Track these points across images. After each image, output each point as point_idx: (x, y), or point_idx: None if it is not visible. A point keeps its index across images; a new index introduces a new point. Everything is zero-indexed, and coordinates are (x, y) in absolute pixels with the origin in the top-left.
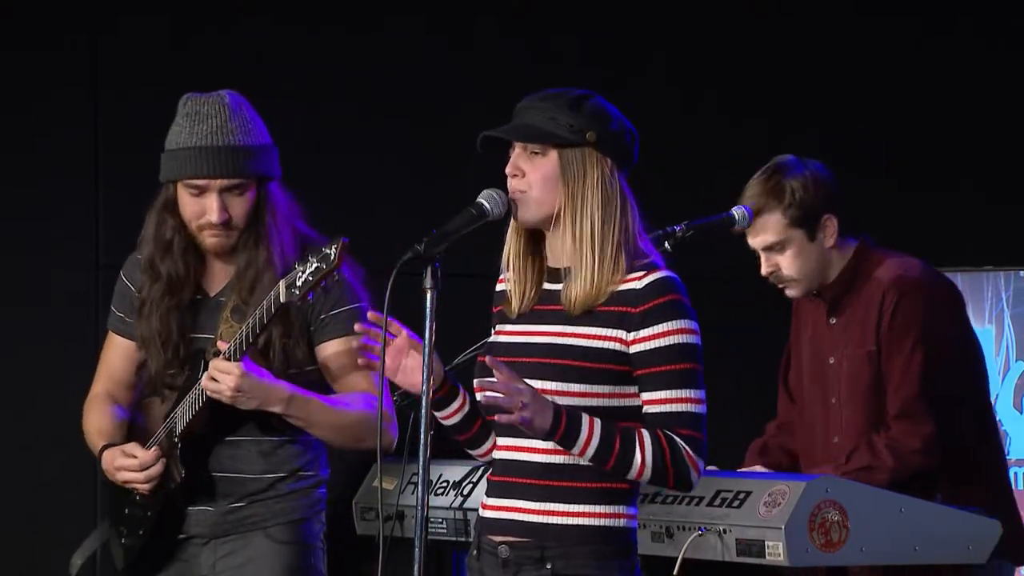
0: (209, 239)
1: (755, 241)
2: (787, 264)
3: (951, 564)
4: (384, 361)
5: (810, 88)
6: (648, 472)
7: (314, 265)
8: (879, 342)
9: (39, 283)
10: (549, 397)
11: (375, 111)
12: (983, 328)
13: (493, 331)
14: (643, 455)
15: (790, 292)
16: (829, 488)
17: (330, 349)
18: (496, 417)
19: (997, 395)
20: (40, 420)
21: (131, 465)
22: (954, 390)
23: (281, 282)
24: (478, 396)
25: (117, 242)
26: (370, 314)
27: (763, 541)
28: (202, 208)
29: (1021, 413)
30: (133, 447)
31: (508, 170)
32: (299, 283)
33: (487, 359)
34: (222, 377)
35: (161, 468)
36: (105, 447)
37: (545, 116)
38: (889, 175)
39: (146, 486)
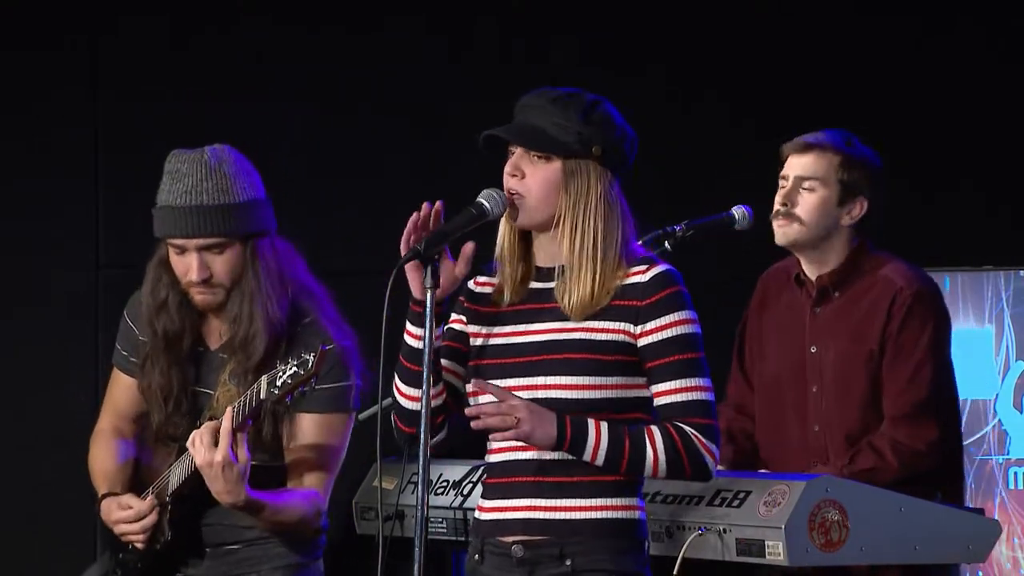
0: (196, 296)
1: (796, 163)
2: (806, 205)
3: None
4: (381, 366)
5: (810, 88)
6: (663, 466)
7: (293, 369)
8: (883, 342)
9: (39, 283)
10: (560, 392)
11: (375, 111)
12: (983, 328)
13: (453, 315)
14: (655, 450)
15: (782, 232)
16: (829, 488)
17: (303, 424)
18: (495, 436)
19: (997, 395)
20: (40, 420)
21: (126, 517)
22: (954, 396)
23: (264, 378)
24: (471, 421)
25: (117, 242)
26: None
27: (763, 541)
28: (186, 266)
29: (1021, 413)
30: (129, 499)
31: (507, 169)
32: (278, 383)
33: (473, 382)
34: (207, 447)
35: (155, 519)
36: (104, 496)
37: (552, 121)
38: (889, 175)
39: (141, 537)
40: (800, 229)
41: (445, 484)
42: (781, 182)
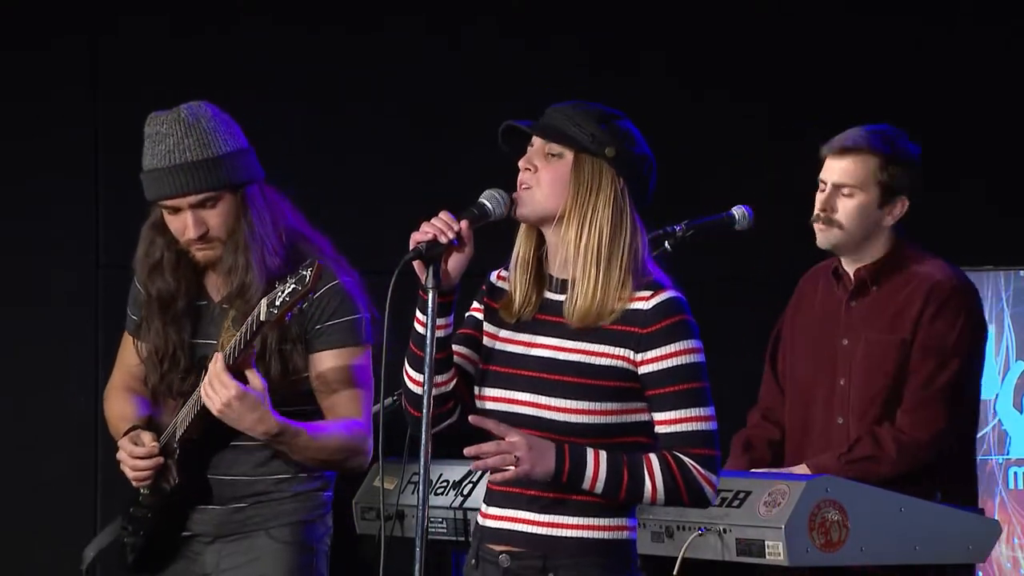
0: (197, 254)
1: (834, 167)
2: (845, 212)
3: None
4: (384, 359)
5: (811, 88)
6: (661, 496)
7: (291, 286)
8: (916, 332)
9: (39, 283)
10: (555, 414)
11: (375, 111)
12: None
13: (475, 303)
14: (653, 481)
15: (823, 237)
16: (829, 488)
17: (323, 362)
18: (493, 478)
19: (997, 395)
20: (40, 420)
21: (133, 452)
22: (973, 396)
23: (263, 300)
24: (471, 464)
25: (117, 242)
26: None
27: (763, 541)
28: (182, 224)
29: (1021, 413)
30: (147, 436)
31: (521, 162)
32: (277, 303)
33: (470, 418)
34: (218, 389)
35: (152, 466)
36: (130, 429)
37: (570, 122)
38: None
39: (135, 474)
40: (840, 234)
41: (445, 484)
42: (820, 184)
